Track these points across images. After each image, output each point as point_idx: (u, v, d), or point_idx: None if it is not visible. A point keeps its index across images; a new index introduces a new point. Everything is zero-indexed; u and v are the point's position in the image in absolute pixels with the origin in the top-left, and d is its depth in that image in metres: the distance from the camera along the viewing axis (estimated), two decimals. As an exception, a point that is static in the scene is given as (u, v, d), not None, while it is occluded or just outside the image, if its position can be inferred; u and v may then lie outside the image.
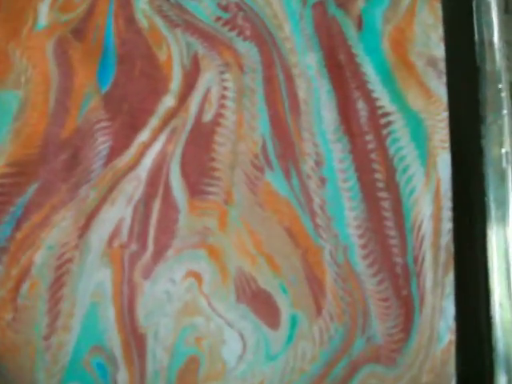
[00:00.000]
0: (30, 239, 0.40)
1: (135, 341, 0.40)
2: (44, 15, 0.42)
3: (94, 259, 0.40)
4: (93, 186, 0.41)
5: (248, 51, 0.43)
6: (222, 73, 0.43)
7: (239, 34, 0.43)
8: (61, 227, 0.40)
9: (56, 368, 0.40)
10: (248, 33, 0.43)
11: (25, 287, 0.40)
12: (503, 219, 0.43)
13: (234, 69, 0.43)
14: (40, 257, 0.40)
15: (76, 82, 0.41)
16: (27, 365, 0.40)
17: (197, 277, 0.41)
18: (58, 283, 0.40)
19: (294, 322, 0.42)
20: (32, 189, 0.40)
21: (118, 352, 0.40)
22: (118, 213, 0.41)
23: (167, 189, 0.41)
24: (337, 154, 0.43)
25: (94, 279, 0.40)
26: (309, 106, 0.43)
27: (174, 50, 0.42)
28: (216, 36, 0.43)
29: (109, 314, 0.40)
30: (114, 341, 0.40)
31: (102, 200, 0.41)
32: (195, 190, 0.41)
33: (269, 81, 0.43)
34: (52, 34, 0.42)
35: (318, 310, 0.42)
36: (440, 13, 0.46)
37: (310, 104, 0.43)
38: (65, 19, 0.42)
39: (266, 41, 0.43)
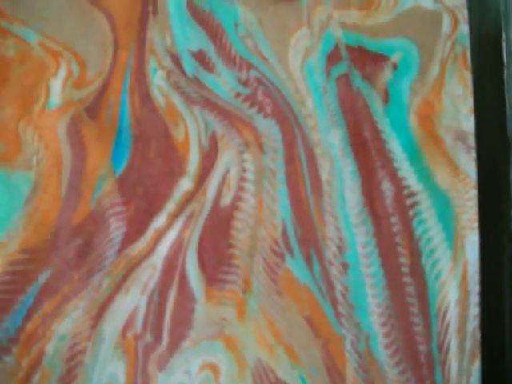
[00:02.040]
0: (41, 329, 0.39)
1: None
2: (56, 92, 0.40)
3: (106, 350, 0.39)
4: (106, 274, 0.39)
5: (268, 129, 0.41)
6: (242, 153, 0.41)
7: (259, 110, 0.41)
8: (73, 317, 0.39)
9: None
10: (269, 109, 0.41)
11: (36, 379, 0.39)
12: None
13: (253, 148, 0.41)
14: (51, 348, 0.39)
15: (89, 163, 0.40)
16: None
17: (213, 369, 0.39)
18: (69, 375, 0.39)
19: (313, 415, 0.40)
20: (43, 276, 0.39)
21: None
22: (132, 302, 0.39)
23: (183, 277, 0.39)
24: (360, 238, 0.41)
25: (107, 371, 0.39)
26: (332, 188, 0.41)
27: (191, 129, 0.40)
28: (235, 113, 0.41)
29: (122, 408, 0.39)
30: (127, 434, 0.39)
31: (116, 289, 0.39)
32: (212, 278, 0.40)
33: (290, 161, 0.41)
34: (65, 112, 0.40)
35: (339, 401, 0.40)
36: (470, 83, 0.44)
37: (333, 185, 0.41)
38: (78, 97, 0.40)
39: (287, 118, 0.41)
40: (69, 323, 0.39)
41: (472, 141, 0.43)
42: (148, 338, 0.39)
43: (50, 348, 0.39)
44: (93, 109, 0.40)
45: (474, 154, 0.43)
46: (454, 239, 0.42)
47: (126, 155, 0.40)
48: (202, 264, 0.40)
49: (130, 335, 0.39)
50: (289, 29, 0.43)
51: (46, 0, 0.41)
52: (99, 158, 0.40)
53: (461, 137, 0.43)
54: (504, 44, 0.44)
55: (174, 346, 0.39)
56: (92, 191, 0.40)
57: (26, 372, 0.39)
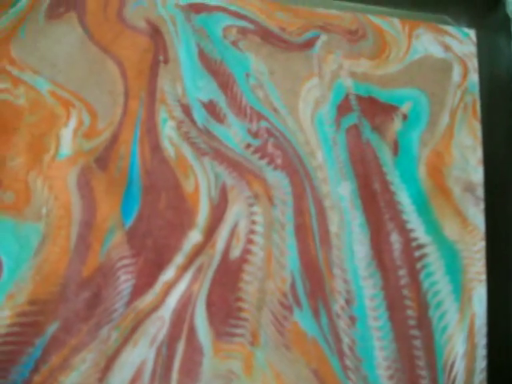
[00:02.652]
0: (49, 382, 0.39)
1: None
2: (67, 142, 0.40)
3: (114, 402, 0.39)
4: (115, 327, 0.39)
5: (278, 182, 0.41)
6: (251, 205, 0.41)
7: (270, 162, 0.41)
8: (80, 370, 0.39)
9: None
10: (279, 161, 0.41)
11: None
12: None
13: (263, 201, 0.41)
14: (59, 399, 0.39)
15: (99, 215, 0.39)
16: None
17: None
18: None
19: None
20: (52, 329, 0.39)
21: None
22: (140, 355, 0.39)
23: (192, 330, 0.39)
24: (368, 291, 0.41)
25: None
26: (340, 240, 0.41)
27: (201, 180, 0.41)
28: (245, 165, 0.41)
29: None
30: None
31: (124, 341, 0.39)
32: (220, 331, 0.40)
33: (299, 214, 0.41)
34: (75, 162, 0.40)
35: None
36: (479, 133, 0.44)
37: (342, 238, 0.41)
38: (88, 147, 0.40)
39: (297, 170, 0.41)
40: (76, 376, 0.39)
41: (481, 192, 0.43)
42: (156, 391, 0.39)
43: (58, 400, 0.39)
44: (103, 160, 0.40)
45: (482, 206, 0.43)
46: (461, 292, 0.42)
47: (136, 207, 0.40)
48: (211, 317, 0.40)
49: (137, 389, 0.39)
50: (300, 78, 0.43)
51: (58, 48, 0.41)
52: (109, 209, 0.40)
53: (469, 188, 0.43)
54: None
55: (182, 399, 0.39)
56: (101, 243, 0.40)
57: (34, 424, 0.39)
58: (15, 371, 0.38)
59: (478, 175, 0.44)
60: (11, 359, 0.38)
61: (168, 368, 0.39)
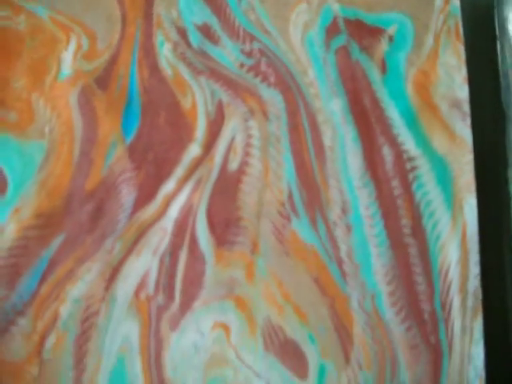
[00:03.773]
0: (55, 292, 0.40)
1: (163, 395, 0.40)
2: (68, 64, 0.42)
3: (120, 312, 0.40)
4: (118, 238, 0.40)
5: (272, 98, 0.43)
6: (247, 120, 0.42)
7: (263, 80, 0.43)
8: (86, 280, 0.40)
9: (83, 423, 0.39)
10: (272, 79, 0.43)
11: (50, 341, 0.39)
12: (533, 266, 0.43)
13: (258, 116, 0.42)
14: (66, 310, 0.40)
15: (100, 132, 0.41)
16: (54, 420, 0.39)
17: (225, 328, 0.40)
18: (84, 337, 0.40)
19: (322, 372, 0.41)
20: (57, 241, 0.40)
21: (146, 407, 0.40)
22: (143, 264, 0.40)
23: (193, 240, 0.41)
24: (363, 201, 0.43)
25: (121, 332, 0.40)
26: (334, 153, 0.43)
27: (198, 97, 0.42)
28: (240, 83, 0.43)
29: (136, 368, 0.40)
30: (142, 395, 0.40)
31: (128, 252, 0.40)
32: (221, 240, 0.41)
33: (294, 128, 0.42)
34: (76, 83, 0.42)
35: (347, 359, 0.41)
36: (463, 54, 0.46)
37: (336, 151, 0.43)
38: (88, 68, 0.42)
39: (290, 87, 0.43)
40: (82, 286, 0.40)
41: (467, 108, 0.45)
42: (160, 298, 0.40)
43: (64, 310, 0.40)
44: (103, 80, 0.42)
45: (469, 121, 0.45)
46: (452, 201, 0.43)
47: (136, 123, 0.42)
48: (212, 226, 0.41)
49: (142, 296, 0.40)
50: (289, 4, 0.45)
51: (56, -22, 0.43)
52: (110, 126, 0.41)
53: (456, 104, 0.45)
54: (496, 16, 0.46)
55: (186, 306, 0.40)
56: (103, 158, 0.41)
57: (41, 335, 0.40)
58: (23, 283, 0.39)
59: (463, 92, 0.45)
60: (18, 271, 0.39)
61: (171, 277, 0.40)
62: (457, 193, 0.44)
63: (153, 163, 0.41)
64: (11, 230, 0.40)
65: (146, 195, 0.41)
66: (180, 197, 0.41)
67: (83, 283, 0.40)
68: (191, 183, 0.41)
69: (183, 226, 0.41)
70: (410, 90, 0.45)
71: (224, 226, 0.41)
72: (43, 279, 0.40)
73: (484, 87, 0.47)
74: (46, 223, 0.40)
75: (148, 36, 0.43)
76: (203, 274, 0.41)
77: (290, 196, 0.42)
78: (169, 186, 0.41)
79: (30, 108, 0.41)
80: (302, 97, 0.43)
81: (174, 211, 0.41)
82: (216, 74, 0.43)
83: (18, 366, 0.39)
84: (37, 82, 0.41)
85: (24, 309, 0.39)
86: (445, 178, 0.44)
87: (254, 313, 0.41)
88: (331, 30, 0.45)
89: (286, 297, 0.41)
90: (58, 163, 0.40)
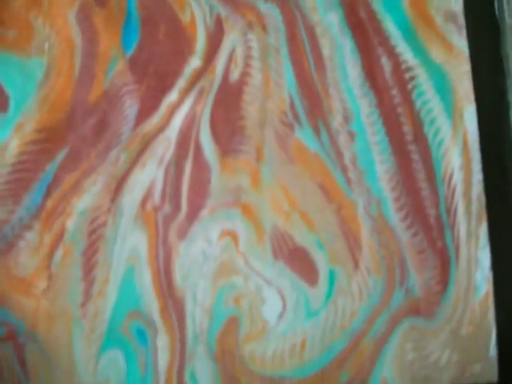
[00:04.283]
0: (62, 206, 0.39)
1: (173, 304, 0.40)
2: (65, -18, 0.42)
3: (127, 223, 0.40)
4: (123, 150, 0.40)
5: (270, 11, 0.43)
6: (246, 33, 0.42)
7: (260, -6, 0.43)
8: (92, 192, 0.40)
9: (94, 336, 0.39)
10: (269, -7, 0.43)
11: (58, 254, 0.39)
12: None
13: (257, 29, 0.43)
14: (72, 223, 0.39)
15: (100, 46, 0.41)
16: (64, 334, 0.39)
17: (233, 236, 0.40)
18: (91, 249, 0.39)
19: (332, 278, 0.41)
20: (61, 155, 0.40)
21: (157, 316, 0.40)
22: (149, 175, 0.40)
23: (198, 149, 0.41)
24: (364, 109, 0.43)
25: (129, 243, 0.40)
26: (333, 63, 0.43)
27: (196, 12, 0.42)
28: (238, -3, 0.43)
29: (145, 278, 0.40)
30: (152, 305, 0.40)
31: (133, 163, 0.40)
32: (226, 148, 0.41)
33: (292, 40, 0.43)
34: (74, 0, 0.42)
35: (355, 264, 0.41)
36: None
37: (335, 61, 0.43)
38: (86, -15, 0.42)
39: (287, 0, 0.43)
40: (88, 198, 0.40)
41: (462, 21, 0.45)
42: (167, 208, 0.40)
43: (70, 223, 0.40)
44: (101, -4, 0.42)
45: (464, 33, 0.45)
46: (452, 110, 0.44)
47: (136, 38, 0.42)
48: (216, 135, 0.41)
49: (149, 207, 0.40)
50: None
51: None
52: (110, 41, 0.41)
53: (451, 17, 0.46)
54: None
55: (193, 214, 0.40)
56: (105, 72, 0.41)
57: (49, 248, 0.39)
58: (28, 197, 0.39)
59: (458, 6, 0.46)
60: (23, 186, 0.39)
61: (177, 186, 0.40)
62: (456, 102, 0.44)
63: (154, 76, 0.41)
64: (14, 146, 0.40)
65: (148, 107, 0.41)
66: (183, 107, 0.41)
67: (89, 196, 0.40)
68: (193, 94, 0.41)
69: (187, 136, 0.41)
70: (405, 2, 0.45)
71: (228, 135, 0.41)
72: (48, 193, 0.40)
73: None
74: (49, 138, 0.40)
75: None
76: (209, 183, 0.41)
77: (292, 105, 0.42)
78: (171, 97, 0.41)
79: (29, 26, 0.41)
80: (300, 10, 0.43)
81: (177, 121, 0.41)
82: (214, -12, 0.43)
83: (27, 280, 0.39)
84: (35, 1, 0.41)
85: (31, 223, 0.39)
86: (444, 88, 0.44)
87: (261, 220, 0.41)
88: None
89: (292, 204, 0.41)
90: (59, 78, 0.40)
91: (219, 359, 0.40)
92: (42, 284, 0.39)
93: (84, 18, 0.41)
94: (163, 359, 0.40)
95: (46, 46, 0.41)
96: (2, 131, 0.40)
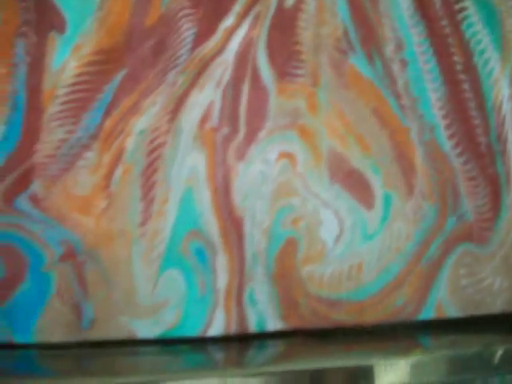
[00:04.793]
0: (121, 125, 0.39)
1: (232, 224, 0.40)
2: None
3: (186, 143, 0.40)
4: (181, 72, 0.40)
5: None
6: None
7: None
8: (151, 112, 0.40)
9: (153, 255, 0.39)
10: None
11: (117, 174, 0.39)
12: None
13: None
14: (131, 143, 0.39)
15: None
16: (123, 253, 0.39)
17: (290, 157, 0.41)
18: (150, 168, 0.39)
19: (387, 202, 0.41)
20: (119, 76, 0.40)
21: (216, 236, 0.40)
22: (207, 97, 0.40)
23: (255, 72, 0.41)
24: (415, 38, 0.43)
25: (187, 163, 0.40)
26: (385, -8, 0.43)
27: None
28: None
29: (204, 198, 0.40)
30: (211, 225, 0.40)
31: (191, 85, 0.40)
32: (282, 72, 0.41)
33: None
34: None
35: (410, 189, 0.42)
36: None
37: (385, -11, 0.43)
38: None
39: None
40: (147, 118, 0.40)
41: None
42: (225, 129, 0.40)
43: (130, 143, 0.40)
44: None
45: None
46: (501, 42, 0.44)
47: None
48: (272, 59, 0.41)
49: (207, 127, 0.40)
50: None
51: None
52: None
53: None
54: None
55: (251, 136, 0.41)
56: (161, -3, 0.41)
57: (108, 168, 0.39)
58: (86, 118, 0.39)
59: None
60: (82, 106, 0.39)
61: (235, 108, 0.41)
62: (505, 34, 0.45)
63: (210, 0, 0.41)
64: (72, 67, 0.40)
65: (205, 30, 0.41)
66: (240, 31, 0.41)
67: (147, 116, 0.40)
68: (249, 19, 0.41)
69: (244, 59, 0.41)
70: None
71: (284, 59, 0.41)
72: (107, 113, 0.40)
73: None
74: (107, 59, 0.40)
75: None
76: (266, 105, 0.41)
77: (346, 33, 0.43)
78: (228, 21, 0.41)
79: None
80: None
81: (234, 45, 0.41)
82: None
83: (86, 200, 0.39)
84: None
85: (90, 142, 0.39)
86: (492, 20, 0.45)
87: (318, 143, 0.41)
88: None
89: (348, 128, 0.42)
90: (116, 1, 0.40)
91: (277, 280, 0.40)
92: (101, 203, 0.39)
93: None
94: (222, 279, 0.40)
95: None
96: (60, 52, 0.39)
